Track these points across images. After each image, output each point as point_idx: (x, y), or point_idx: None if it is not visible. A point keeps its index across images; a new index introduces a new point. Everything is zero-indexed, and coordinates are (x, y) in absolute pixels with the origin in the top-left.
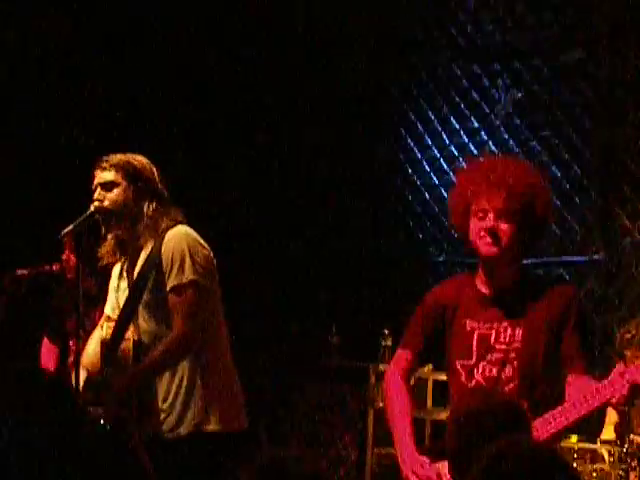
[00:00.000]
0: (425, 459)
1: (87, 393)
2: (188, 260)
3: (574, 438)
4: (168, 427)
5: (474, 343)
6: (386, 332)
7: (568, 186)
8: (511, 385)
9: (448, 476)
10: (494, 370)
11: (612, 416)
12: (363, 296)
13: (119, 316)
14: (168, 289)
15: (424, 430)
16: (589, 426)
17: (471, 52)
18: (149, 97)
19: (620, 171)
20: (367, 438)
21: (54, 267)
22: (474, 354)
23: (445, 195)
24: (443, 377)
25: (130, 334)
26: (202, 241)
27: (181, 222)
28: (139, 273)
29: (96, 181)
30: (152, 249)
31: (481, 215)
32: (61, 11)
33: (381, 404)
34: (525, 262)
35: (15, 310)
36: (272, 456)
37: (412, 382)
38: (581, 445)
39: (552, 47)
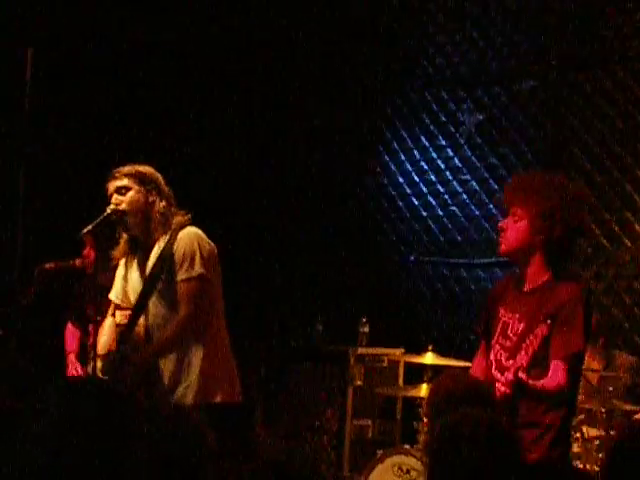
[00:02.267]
0: None
1: (104, 366)
2: (198, 257)
3: None
4: (176, 399)
5: (498, 328)
6: (364, 320)
7: None
8: (506, 373)
9: None
10: (502, 354)
11: None
12: (344, 288)
13: (136, 303)
14: (178, 280)
15: (397, 403)
16: None
17: (440, 81)
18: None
19: None
20: (347, 412)
21: (77, 262)
22: (495, 337)
23: (416, 203)
24: (413, 359)
25: (142, 320)
26: (208, 239)
27: (189, 223)
28: (154, 265)
29: (111, 190)
30: (165, 245)
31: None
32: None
33: (359, 382)
34: (486, 261)
35: (44, 299)
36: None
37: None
38: None
39: (509, 77)
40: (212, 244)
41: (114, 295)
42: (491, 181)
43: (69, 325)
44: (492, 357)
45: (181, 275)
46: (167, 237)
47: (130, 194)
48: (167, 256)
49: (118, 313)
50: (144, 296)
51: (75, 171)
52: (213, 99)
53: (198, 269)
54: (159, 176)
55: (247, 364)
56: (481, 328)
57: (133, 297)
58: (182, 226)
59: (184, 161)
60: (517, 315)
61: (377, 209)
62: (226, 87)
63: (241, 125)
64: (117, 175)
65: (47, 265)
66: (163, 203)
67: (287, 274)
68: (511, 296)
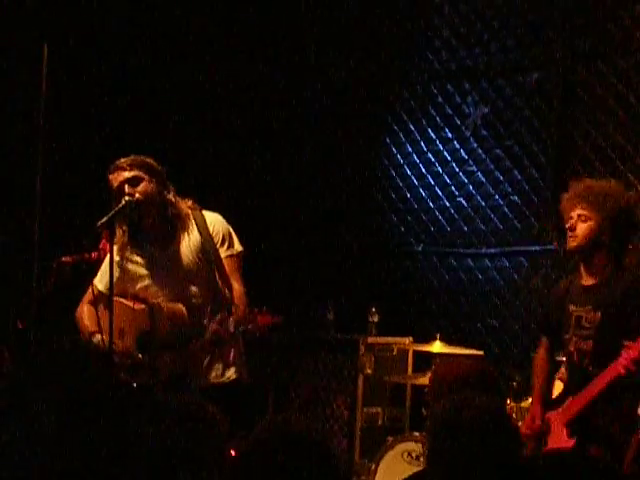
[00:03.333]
0: (539, 411)
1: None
2: (234, 236)
3: (530, 400)
4: (213, 376)
5: (572, 322)
6: (373, 310)
7: (527, 187)
8: (588, 357)
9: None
10: (581, 343)
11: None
12: (355, 279)
13: (176, 287)
14: (223, 257)
15: (406, 391)
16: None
17: (445, 73)
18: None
19: (571, 174)
20: (357, 399)
21: (93, 255)
22: (570, 331)
23: (423, 194)
24: (421, 348)
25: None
26: None
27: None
28: (201, 248)
29: (119, 181)
30: (199, 229)
31: (567, 218)
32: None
33: (369, 371)
34: (492, 251)
35: (63, 290)
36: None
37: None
38: None
39: (514, 69)
40: None
41: (103, 286)
42: (497, 172)
43: None
44: (572, 348)
45: (225, 252)
46: (192, 222)
47: (143, 184)
48: (205, 240)
49: (122, 300)
50: (188, 278)
51: (91, 165)
52: (221, 94)
53: (238, 247)
54: (160, 165)
55: (259, 353)
56: (543, 326)
57: (136, 286)
58: (195, 210)
59: (192, 148)
60: (589, 306)
61: (385, 200)
62: (234, 81)
63: (250, 119)
64: (124, 166)
65: (64, 258)
66: (171, 194)
67: (298, 264)
68: (577, 291)
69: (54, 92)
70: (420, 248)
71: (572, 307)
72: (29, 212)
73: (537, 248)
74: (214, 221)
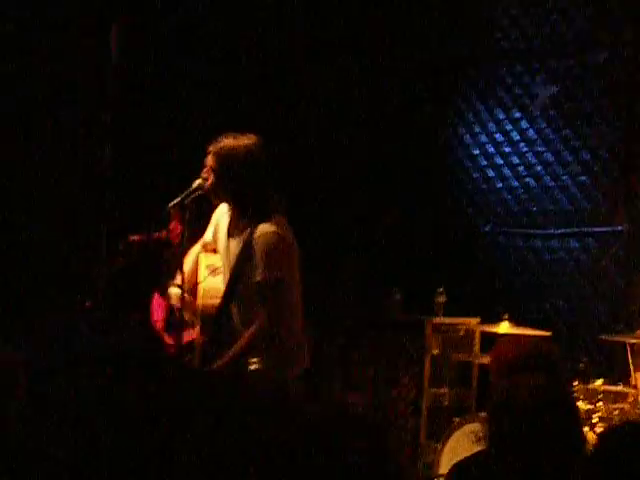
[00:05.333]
0: None
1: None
2: (272, 258)
3: (599, 381)
4: None
5: None
6: (440, 290)
7: (596, 168)
8: None
9: None
10: None
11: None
12: (422, 259)
13: (221, 301)
14: (254, 281)
15: (472, 371)
16: (613, 372)
17: (514, 53)
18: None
19: None
20: (424, 380)
21: (162, 234)
22: None
23: (491, 175)
24: (488, 329)
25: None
26: (285, 233)
27: (268, 215)
28: (234, 264)
29: (206, 160)
30: (245, 242)
31: None
32: None
33: (436, 351)
34: (560, 231)
35: (132, 270)
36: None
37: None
38: (605, 387)
39: (582, 49)
40: (287, 238)
41: (208, 235)
42: (565, 153)
43: (156, 296)
44: None
45: (257, 276)
46: (247, 232)
47: (212, 177)
48: (246, 255)
49: (203, 255)
50: (226, 296)
51: (161, 145)
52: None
53: (267, 275)
54: (254, 155)
55: (327, 333)
56: None
57: (220, 247)
58: (259, 221)
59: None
60: None
61: (453, 181)
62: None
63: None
64: (211, 149)
65: (132, 237)
66: (239, 196)
67: (366, 246)
68: None
69: (123, 72)
70: (488, 229)
71: None
72: (99, 191)
73: (606, 229)
74: (259, 237)
